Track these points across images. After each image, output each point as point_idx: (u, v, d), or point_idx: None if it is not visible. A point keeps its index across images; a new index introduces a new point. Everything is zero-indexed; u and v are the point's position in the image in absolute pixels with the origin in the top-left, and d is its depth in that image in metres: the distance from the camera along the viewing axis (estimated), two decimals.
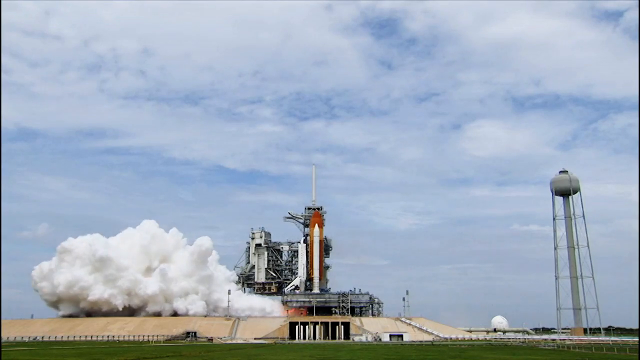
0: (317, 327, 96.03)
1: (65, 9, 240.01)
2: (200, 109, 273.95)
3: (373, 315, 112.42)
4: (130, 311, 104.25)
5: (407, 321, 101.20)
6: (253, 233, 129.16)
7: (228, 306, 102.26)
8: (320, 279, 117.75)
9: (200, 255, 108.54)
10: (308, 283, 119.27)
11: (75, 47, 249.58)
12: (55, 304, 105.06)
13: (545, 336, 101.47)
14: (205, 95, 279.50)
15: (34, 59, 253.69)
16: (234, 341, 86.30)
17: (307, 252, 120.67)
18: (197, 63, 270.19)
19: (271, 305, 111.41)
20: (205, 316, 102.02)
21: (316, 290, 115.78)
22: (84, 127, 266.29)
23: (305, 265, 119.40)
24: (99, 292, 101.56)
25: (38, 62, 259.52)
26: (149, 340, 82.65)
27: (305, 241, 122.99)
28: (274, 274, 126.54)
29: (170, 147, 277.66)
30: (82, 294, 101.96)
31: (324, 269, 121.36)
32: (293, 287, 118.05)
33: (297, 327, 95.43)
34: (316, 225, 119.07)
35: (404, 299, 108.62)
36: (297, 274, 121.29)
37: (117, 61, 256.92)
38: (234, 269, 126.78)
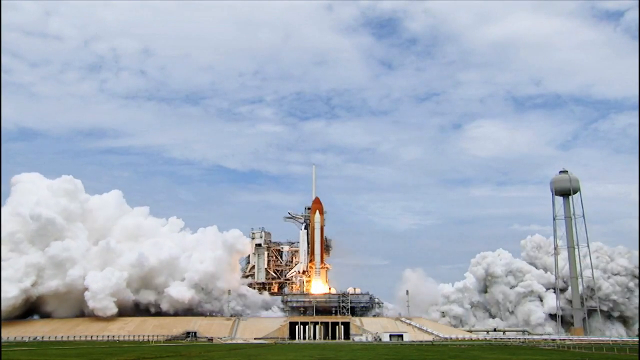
0: (317, 327, 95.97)
1: (65, 9, 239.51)
2: (201, 109, 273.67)
3: (373, 315, 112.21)
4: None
5: (407, 321, 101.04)
6: (253, 233, 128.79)
7: (228, 306, 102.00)
8: (321, 263, 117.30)
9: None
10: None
11: (75, 47, 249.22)
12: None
13: (545, 336, 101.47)
14: (206, 95, 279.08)
15: (34, 59, 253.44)
16: (234, 341, 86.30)
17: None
18: (197, 63, 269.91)
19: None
20: (206, 316, 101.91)
21: (316, 280, 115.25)
22: (84, 127, 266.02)
23: (306, 251, 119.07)
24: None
25: (38, 62, 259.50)
26: (149, 341, 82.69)
27: (306, 227, 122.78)
28: (274, 274, 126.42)
29: (170, 147, 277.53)
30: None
31: (324, 266, 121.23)
32: (295, 272, 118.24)
33: (297, 327, 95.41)
34: (317, 212, 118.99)
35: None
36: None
37: (117, 61, 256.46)
38: None
